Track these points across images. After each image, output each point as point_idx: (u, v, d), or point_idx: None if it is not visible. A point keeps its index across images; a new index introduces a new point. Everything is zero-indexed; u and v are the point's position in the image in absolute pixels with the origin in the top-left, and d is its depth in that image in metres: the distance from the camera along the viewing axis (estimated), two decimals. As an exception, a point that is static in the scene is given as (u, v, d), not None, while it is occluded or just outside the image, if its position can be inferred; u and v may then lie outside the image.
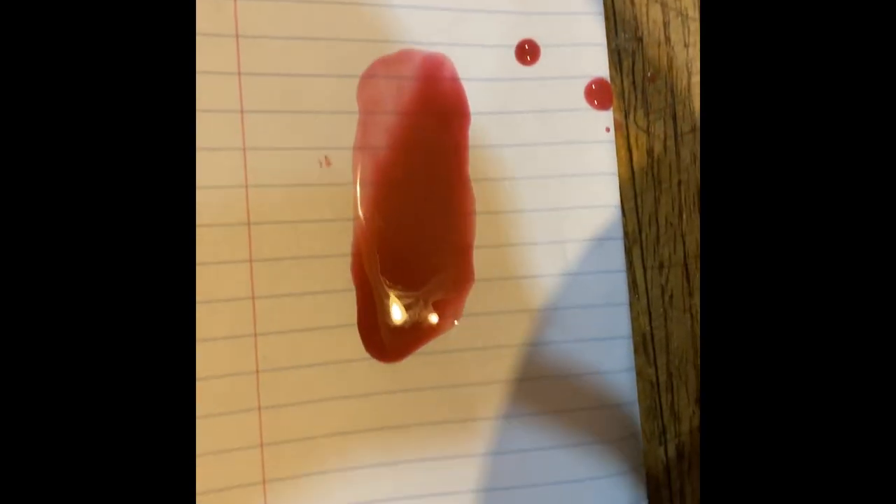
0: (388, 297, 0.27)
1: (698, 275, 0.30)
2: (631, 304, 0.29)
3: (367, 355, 0.26)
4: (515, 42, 0.29)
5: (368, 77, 0.27)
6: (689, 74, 0.31)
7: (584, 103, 0.29)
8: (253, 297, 0.26)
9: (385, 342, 0.27)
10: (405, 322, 0.27)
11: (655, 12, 0.31)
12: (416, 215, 0.27)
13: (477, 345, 0.27)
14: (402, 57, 0.28)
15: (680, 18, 0.31)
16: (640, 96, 0.30)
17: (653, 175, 0.30)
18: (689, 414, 0.30)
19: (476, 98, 0.28)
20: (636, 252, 0.30)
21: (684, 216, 0.30)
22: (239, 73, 0.26)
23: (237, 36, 0.26)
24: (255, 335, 0.26)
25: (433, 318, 0.27)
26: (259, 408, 0.25)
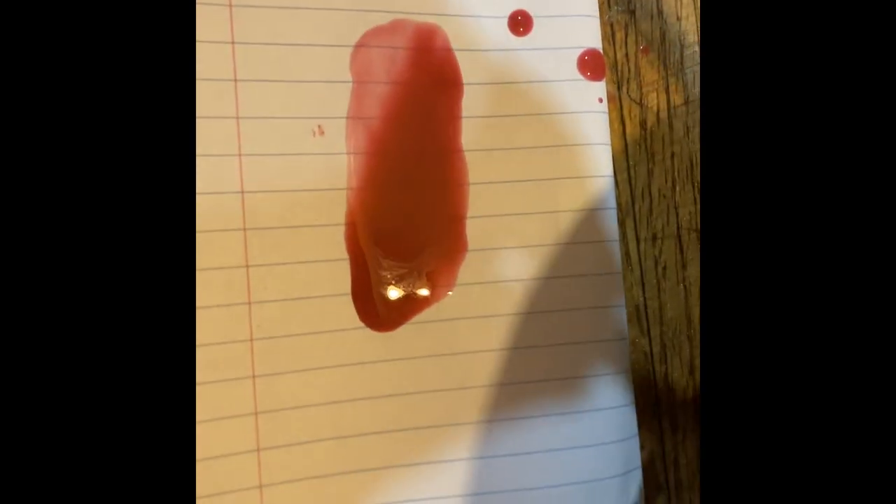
0: (381, 266, 0.27)
1: (692, 246, 0.30)
2: (624, 276, 0.29)
3: (361, 324, 0.27)
4: (508, 12, 0.29)
5: (361, 46, 0.27)
6: (682, 47, 0.31)
7: (577, 74, 0.29)
8: (247, 266, 0.26)
9: (379, 311, 0.27)
10: (399, 292, 0.27)
11: (648, -16, 0.31)
12: (410, 185, 0.27)
13: (470, 314, 0.27)
14: (395, 26, 0.28)
15: (672, -9, 0.31)
16: (633, 69, 0.31)
17: (646, 147, 0.30)
18: (682, 385, 0.30)
19: (469, 68, 0.28)
20: (629, 224, 0.30)
21: (677, 188, 0.31)
22: (232, 42, 0.26)
23: (231, 5, 0.26)
24: (250, 303, 0.26)
25: (427, 288, 0.27)
26: (253, 376, 0.25)
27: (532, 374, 0.27)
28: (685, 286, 0.30)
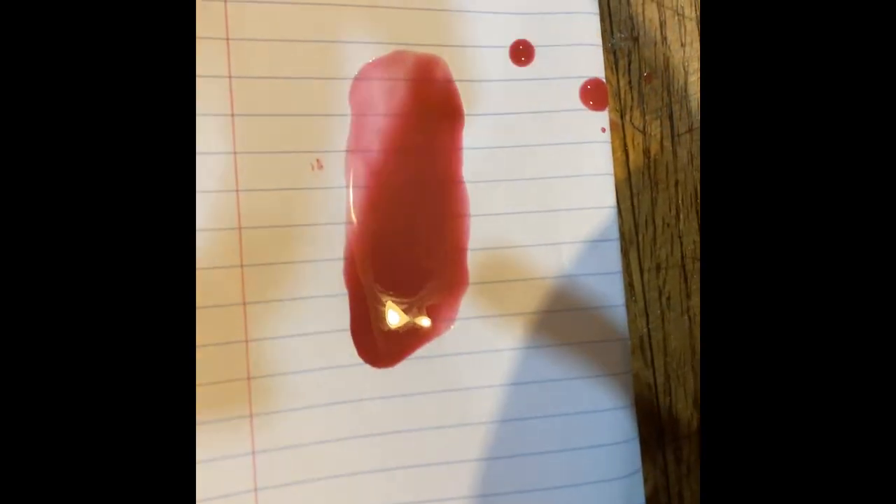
0: (381, 301, 0.27)
1: (696, 276, 0.30)
2: (627, 307, 0.29)
3: (360, 360, 0.26)
4: (510, 42, 0.28)
5: (360, 79, 0.27)
6: (686, 74, 0.30)
7: (579, 104, 0.28)
8: (244, 303, 0.25)
9: (379, 347, 0.26)
10: (399, 326, 0.27)
11: (651, 11, 0.30)
12: (410, 218, 0.27)
13: (471, 349, 0.27)
14: (395, 58, 0.27)
15: (676, 18, 0.31)
16: (636, 96, 0.30)
17: (649, 175, 0.30)
18: (687, 417, 0.30)
19: (470, 99, 0.28)
20: (633, 253, 0.30)
21: (681, 217, 0.30)
22: (230, 77, 0.26)
23: (227, 39, 0.26)
24: (247, 341, 0.25)
25: (427, 323, 0.27)
26: (251, 415, 0.25)
27: (534, 410, 0.27)
28: (689, 316, 0.30)
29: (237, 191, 0.25)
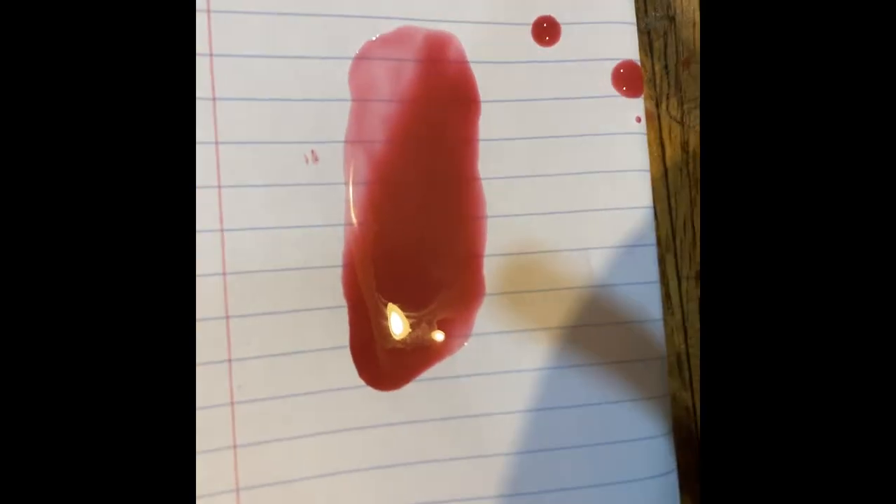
0: (385, 314, 0.25)
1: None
2: (664, 320, 0.26)
3: (360, 382, 0.24)
4: (532, 19, 0.26)
5: (362, 59, 0.25)
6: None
7: (611, 89, 0.26)
8: (227, 317, 0.23)
9: (382, 367, 0.24)
10: (405, 343, 0.25)
11: (690, -13, 0.28)
12: (418, 220, 0.25)
13: (488, 369, 0.25)
14: (402, 35, 0.25)
15: (718, -7, 0.28)
16: (672, 83, 0.28)
17: (688, 172, 0.28)
18: (729, 444, 0.27)
19: (487, 83, 0.26)
20: (670, 260, 0.27)
21: (723, 219, 0.27)
22: (211, 55, 0.24)
23: (209, 11, 0.24)
24: (230, 361, 0.23)
25: (437, 339, 0.25)
26: (234, 446, 0.23)
27: (558, 440, 0.25)
28: (732, 331, 0.27)
29: (219, 187, 0.23)
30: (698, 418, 0.27)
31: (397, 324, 0.25)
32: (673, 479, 0.25)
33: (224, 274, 0.23)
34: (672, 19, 0.28)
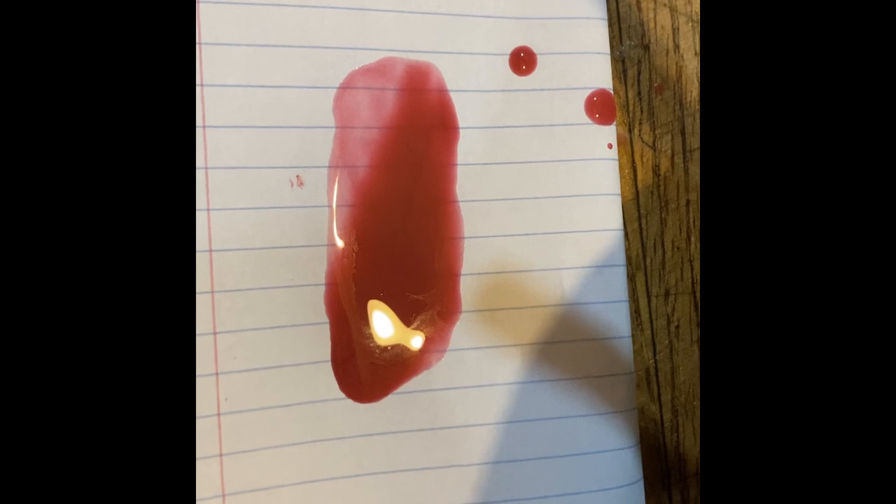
0: (365, 330, 0.25)
1: (707, 303, 0.28)
2: (633, 336, 0.27)
3: (341, 395, 0.24)
4: (510, 49, 0.26)
5: (346, 88, 0.25)
6: (700, 85, 0.28)
7: (584, 117, 0.26)
8: (214, 333, 0.23)
9: (362, 380, 0.25)
10: (384, 358, 0.25)
11: (664, 17, 0.28)
12: (398, 240, 0.25)
13: (463, 383, 0.25)
14: (384, 66, 0.25)
15: (690, 24, 0.28)
16: (646, 108, 0.28)
17: (659, 194, 0.28)
18: (695, 455, 0.28)
19: (465, 111, 0.26)
20: (640, 278, 0.28)
21: (692, 239, 0.28)
22: (201, 85, 0.24)
23: (199, 43, 0.24)
24: (217, 374, 0.23)
25: (415, 354, 0.25)
26: (221, 454, 0.23)
27: (530, 451, 0.25)
28: (700, 347, 0.28)
29: (208, 210, 0.24)
30: (665, 430, 0.28)
31: (377, 339, 0.25)
32: (639, 488, 0.26)
33: (212, 292, 0.23)
34: (646, 48, 0.28)
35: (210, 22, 0.24)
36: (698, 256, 0.28)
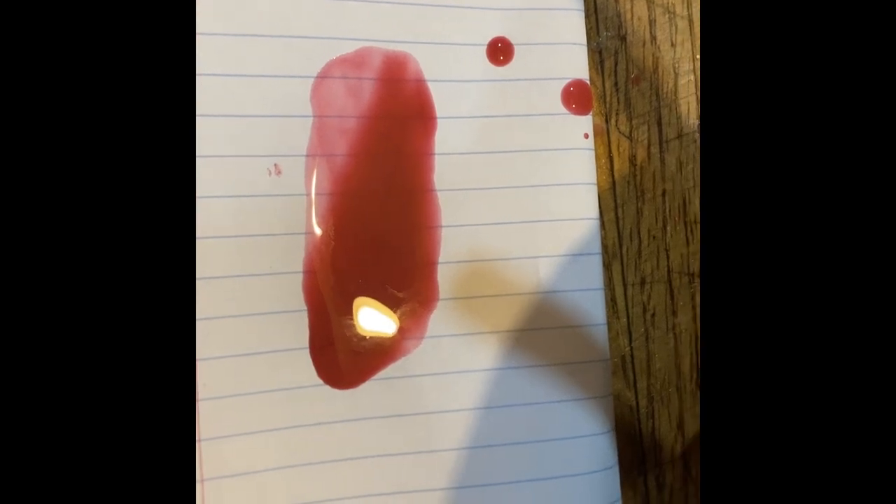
0: (343, 317, 0.25)
1: (683, 292, 0.28)
2: (609, 324, 0.27)
3: (319, 381, 0.25)
4: (487, 40, 0.27)
5: (324, 78, 0.25)
6: (676, 76, 0.29)
7: (560, 107, 0.27)
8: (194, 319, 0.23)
9: (340, 367, 0.25)
10: (362, 345, 0.25)
11: (640, 9, 0.29)
12: (376, 229, 0.25)
13: (440, 369, 0.25)
14: (362, 56, 0.26)
15: (667, 16, 0.29)
16: (622, 99, 0.28)
17: (635, 184, 0.28)
18: (670, 441, 0.28)
19: (443, 101, 0.26)
20: (616, 267, 0.28)
21: (668, 229, 0.28)
22: None
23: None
24: (196, 360, 0.23)
25: (393, 341, 0.25)
26: (198, 440, 0.23)
27: (506, 436, 0.25)
28: (675, 334, 0.28)
29: (195, 200, 0.23)
30: (641, 416, 0.28)
31: (355, 326, 0.25)
32: (614, 473, 0.26)
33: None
34: (623, 39, 0.29)
35: (202, 14, 0.24)
36: (674, 245, 0.28)
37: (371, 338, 0.25)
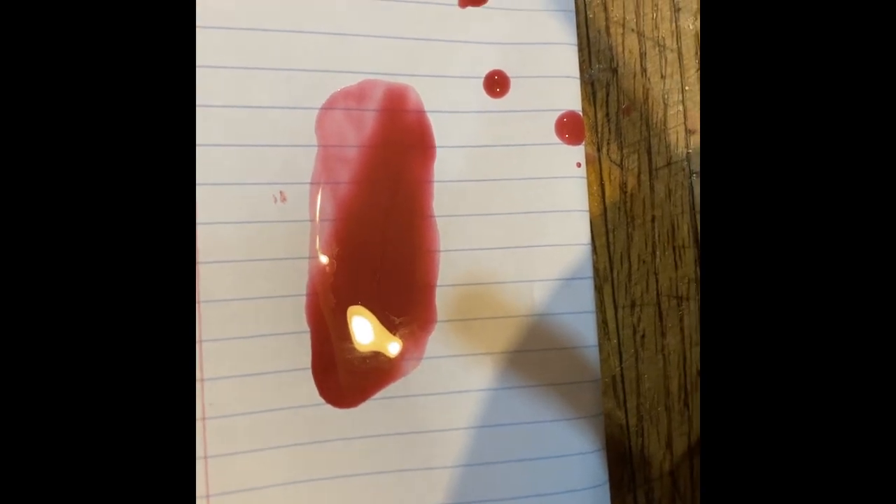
0: (344, 339, 0.26)
1: (672, 314, 0.29)
2: (601, 345, 0.28)
3: (321, 401, 0.25)
4: (484, 73, 0.28)
5: (328, 109, 0.26)
6: (666, 106, 0.30)
7: (554, 137, 0.28)
8: (199, 341, 0.24)
9: (341, 386, 0.25)
10: (363, 365, 0.26)
11: (632, 42, 0.30)
12: (376, 253, 0.26)
13: (438, 389, 0.26)
14: (364, 88, 0.27)
15: (657, 49, 0.30)
16: (613, 129, 0.29)
17: (625, 211, 0.29)
18: (659, 458, 0.29)
19: (442, 131, 0.27)
20: (607, 290, 0.29)
21: (658, 253, 0.29)
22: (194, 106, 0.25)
23: (196, 67, 0.25)
24: (202, 380, 0.24)
25: (392, 362, 0.26)
26: (205, 457, 0.24)
27: (501, 455, 0.26)
28: (664, 355, 0.29)
29: (195, 224, 0.25)
30: (630, 435, 0.29)
31: (356, 348, 0.26)
32: (605, 491, 0.27)
33: (197, 302, 0.24)
34: (614, 71, 0.30)
35: (200, 45, 0.25)
36: (663, 269, 0.29)
37: (371, 359, 0.26)
